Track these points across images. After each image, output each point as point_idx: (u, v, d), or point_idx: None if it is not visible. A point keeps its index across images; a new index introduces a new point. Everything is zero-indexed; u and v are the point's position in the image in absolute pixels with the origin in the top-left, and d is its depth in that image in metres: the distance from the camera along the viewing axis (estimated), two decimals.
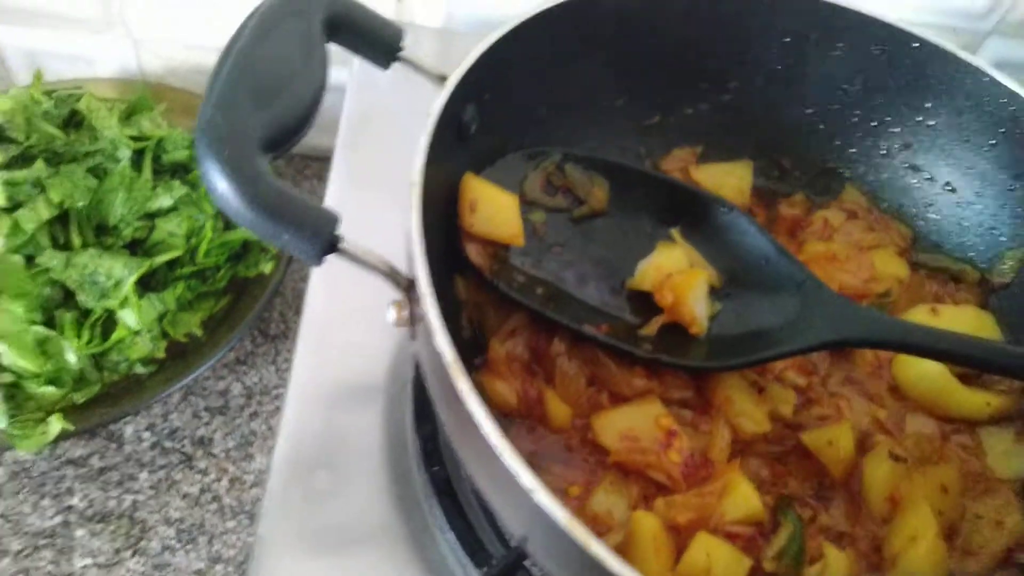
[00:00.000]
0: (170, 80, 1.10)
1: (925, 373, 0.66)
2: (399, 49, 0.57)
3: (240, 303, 0.94)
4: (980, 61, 0.69)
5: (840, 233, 0.75)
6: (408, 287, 0.47)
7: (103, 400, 0.86)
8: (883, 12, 0.72)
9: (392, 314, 0.49)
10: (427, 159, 0.51)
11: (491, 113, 0.62)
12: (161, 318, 0.89)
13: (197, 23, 1.03)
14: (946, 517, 0.60)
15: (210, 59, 0.52)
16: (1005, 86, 0.69)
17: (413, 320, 0.48)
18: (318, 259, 0.44)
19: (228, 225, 0.96)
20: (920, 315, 0.69)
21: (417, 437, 0.65)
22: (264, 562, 0.63)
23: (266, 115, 0.45)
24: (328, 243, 0.44)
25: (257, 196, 0.42)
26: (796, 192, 0.79)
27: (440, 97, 0.53)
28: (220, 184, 0.42)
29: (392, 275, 0.47)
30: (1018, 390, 0.66)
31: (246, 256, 0.96)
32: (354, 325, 0.77)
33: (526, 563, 0.61)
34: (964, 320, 0.69)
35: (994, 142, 0.72)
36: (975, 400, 0.66)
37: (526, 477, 0.39)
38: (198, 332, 0.92)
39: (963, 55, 0.70)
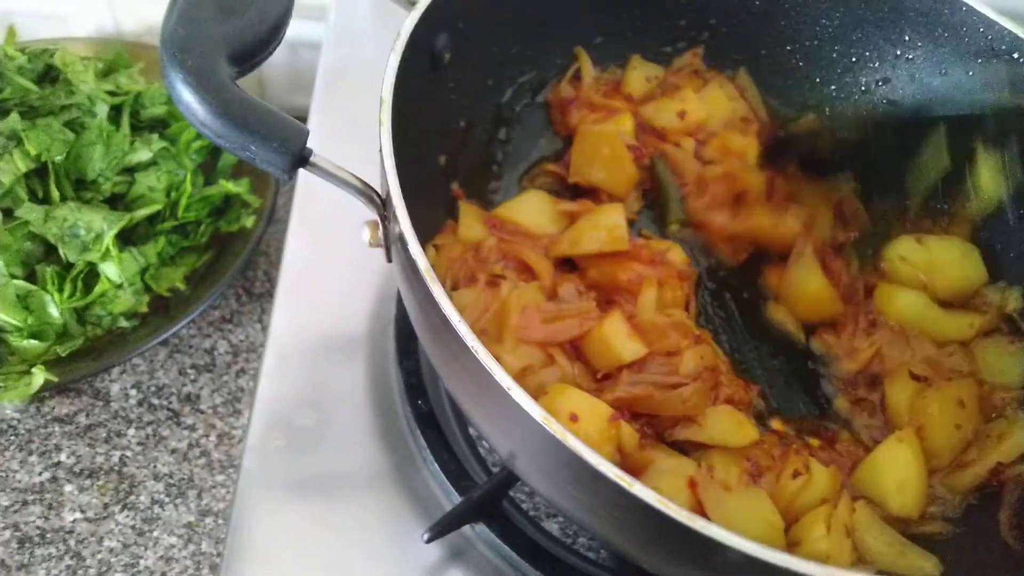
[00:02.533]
0: (147, 39, 1.09)
1: (908, 303, 0.67)
2: None
3: (223, 258, 0.94)
4: None
5: None
6: (382, 204, 0.47)
7: (86, 353, 0.86)
8: None
9: (366, 234, 0.49)
10: (397, 81, 0.50)
11: (465, 43, 0.62)
12: (143, 272, 0.89)
13: None
14: (963, 431, 0.61)
15: None
16: (982, 14, 0.69)
17: (388, 239, 0.48)
18: (288, 172, 0.44)
19: (209, 180, 0.96)
20: (906, 245, 0.69)
21: (400, 371, 0.65)
22: (248, 502, 0.63)
23: (231, 27, 0.45)
24: (298, 155, 0.44)
25: (223, 105, 0.42)
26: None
27: (410, 18, 0.53)
28: (185, 94, 0.42)
29: (365, 191, 0.47)
30: (996, 305, 0.67)
31: (227, 211, 0.96)
32: (334, 276, 0.76)
33: (511, 493, 0.62)
34: (950, 251, 0.69)
35: (971, 72, 0.71)
36: (959, 323, 0.67)
37: (501, 374, 0.39)
38: (181, 286, 0.91)
39: None
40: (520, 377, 0.56)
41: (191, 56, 0.42)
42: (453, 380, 0.49)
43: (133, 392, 0.93)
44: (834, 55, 0.77)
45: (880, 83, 0.77)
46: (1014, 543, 0.57)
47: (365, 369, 0.71)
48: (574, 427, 0.52)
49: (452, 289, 0.61)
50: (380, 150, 0.46)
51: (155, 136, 0.92)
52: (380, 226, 0.48)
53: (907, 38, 0.74)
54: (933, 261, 0.68)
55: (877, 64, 0.76)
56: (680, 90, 0.73)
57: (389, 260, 0.50)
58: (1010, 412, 0.61)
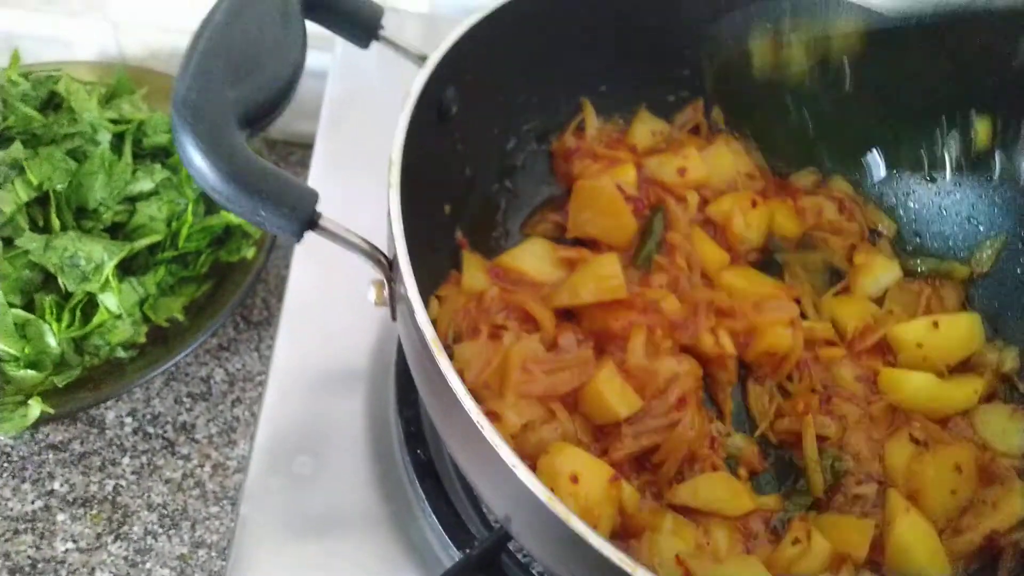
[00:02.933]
0: (151, 64, 1.09)
1: (919, 386, 0.66)
2: (379, 28, 0.56)
3: (222, 288, 0.93)
4: None
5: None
6: (388, 266, 0.47)
7: (84, 384, 0.85)
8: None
9: (372, 294, 0.49)
10: (407, 138, 0.51)
11: (472, 95, 0.62)
12: (142, 302, 0.88)
13: (178, 6, 1.02)
14: (959, 497, 0.61)
15: None
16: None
17: (393, 299, 0.48)
18: (297, 235, 0.44)
19: (210, 210, 0.96)
20: (921, 328, 0.69)
21: (400, 420, 0.65)
22: (246, 545, 0.63)
23: (242, 91, 0.45)
24: (307, 219, 0.44)
25: (233, 170, 0.42)
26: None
27: (419, 76, 0.53)
28: (196, 159, 0.42)
29: (372, 253, 0.47)
30: (994, 368, 0.67)
31: (228, 241, 0.96)
32: (336, 310, 0.76)
33: (510, 546, 0.61)
34: (958, 326, 0.69)
35: None
36: (964, 391, 0.67)
37: (506, 452, 0.39)
38: (180, 317, 0.91)
39: None
40: (522, 434, 0.56)
41: (203, 121, 0.42)
42: (454, 445, 0.49)
43: (128, 420, 0.93)
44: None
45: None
46: None
47: (365, 409, 0.70)
48: (575, 488, 0.52)
49: (454, 342, 0.61)
50: (388, 213, 0.47)
51: (157, 166, 0.92)
52: (386, 287, 0.48)
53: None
54: (945, 340, 0.68)
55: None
56: (684, 147, 0.74)
57: (394, 319, 0.50)
58: (1008, 480, 0.61)
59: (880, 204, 0.78)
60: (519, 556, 0.63)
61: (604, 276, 0.64)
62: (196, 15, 0.51)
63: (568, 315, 0.66)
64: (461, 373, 0.57)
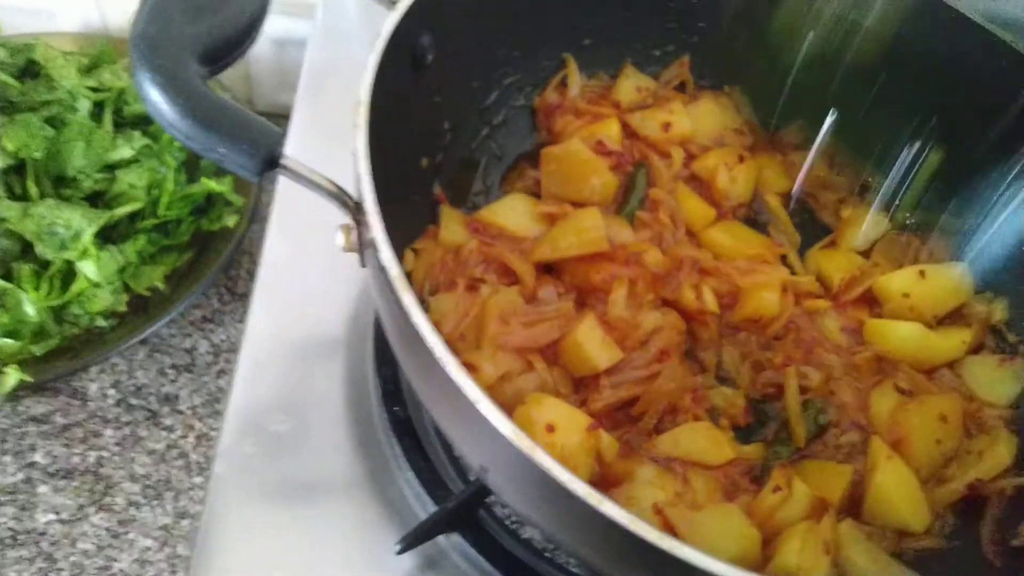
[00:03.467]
0: None
1: (905, 336, 0.65)
2: None
3: (204, 257, 0.93)
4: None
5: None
6: (355, 208, 0.46)
7: (63, 353, 0.85)
8: None
9: (340, 238, 0.47)
10: (377, 81, 0.49)
11: (450, 44, 0.61)
12: (122, 271, 0.88)
13: None
14: (944, 446, 0.60)
15: None
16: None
17: (361, 244, 0.47)
18: (257, 173, 0.43)
19: (191, 178, 0.95)
20: (908, 278, 0.68)
21: (378, 378, 0.64)
22: (219, 507, 0.62)
23: (202, 27, 0.43)
24: (268, 157, 0.43)
25: (191, 105, 0.41)
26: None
27: (391, 17, 0.52)
28: (153, 94, 0.41)
29: (338, 195, 0.46)
30: (984, 319, 0.66)
31: (210, 210, 0.95)
32: (315, 275, 0.75)
33: (488, 501, 0.61)
34: (945, 275, 0.69)
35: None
36: (952, 342, 0.66)
37: (471, 388, 0.38)
38: (161, 286, 0.90)
39: None
40: (498, 385, 0.55)
41: (160, 56, 0.41)
42: (425, 391, 0.48)
43: (111, 392, 0.92)
44: None
45: None
46: (994, 559, 0.56)
47: (343, 373, 0.69)
48: (551, 438, 0.51)
49: (431, 294, 0.60)
50: (354, 153, 0.45)
51: (137, 133, 0.91)
52: (354, 230, 0.47)
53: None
54: (932, 290, 0.67)
55: None
56: (669, 102, 0.73)
57: (363, 265, 0.49)
58: (995, 429, 0.60)
59: (870, 158, 0.77)
60: (496, 511, 0.62)
61: (585, 229, 0.63)
62: None
63: (549, 270, 0.64)
64: (437, 325, 0.56)
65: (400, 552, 0.54)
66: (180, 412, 0.93)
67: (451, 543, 0.60)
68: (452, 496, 0.56)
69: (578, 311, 0.60)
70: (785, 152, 0.76)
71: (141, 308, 0.89)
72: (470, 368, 0.54)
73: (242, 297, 1.01)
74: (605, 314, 0.59)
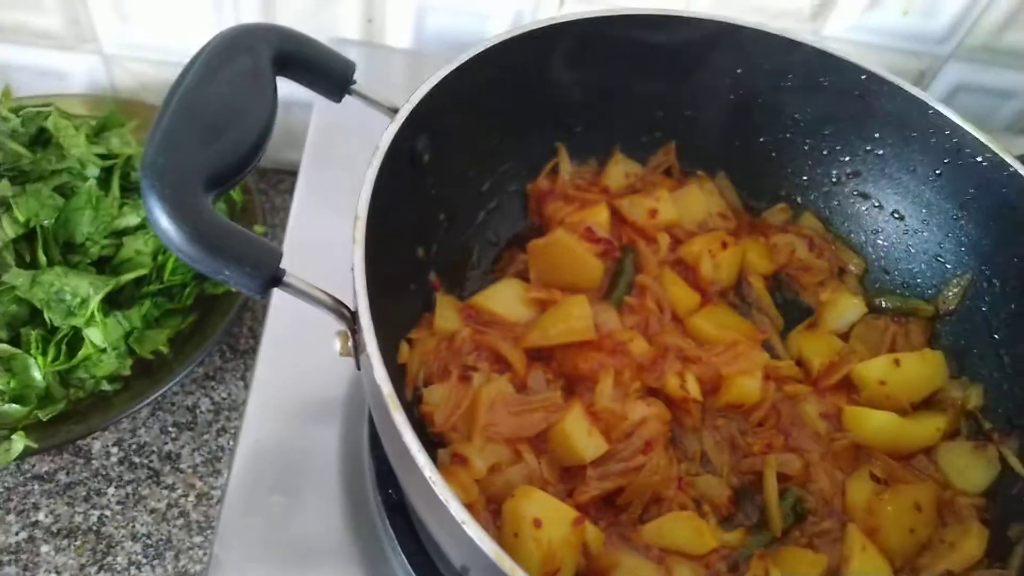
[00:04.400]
0: (142, 95, 1.11)
1: (882, 424, 0.67)
2: (351, 83, 0.58)
3: (207, 320, 0.95)
4: (925, 94, 0.71)
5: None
6: (352, 318, 0.49)
7: (69, 417, 0.86)
8: (838, 43, 0.73)
9: (337, 344, 0.50)
10: (375, 190, 0.52)
11: (446, 141, 0.64)
12: (128, 336, 0.90)
13: (169, 39, 1.04)
14: (918, 535, 0.62)
15: None
16: (948, 118, 0.71)
17: (357, 350, 0.50)
18: (260, 293, 0.46)
19: None
20: (884, 365, 0.70)
21: (372, 459, 0.66)
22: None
23: (211, 153, 0.46)
24: (271, 277, 0.45)
25: (198, 232, 0.43)
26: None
27: (388, 130, 0.55)
28: (163, 221, 0.43)
29: (335, 307, 0.48)
30: (959, 405, 0.68)
31: None
32: (315, 343, 0.77)
33: None
34: (920, 363, 0.71)
35: (939, 172, 0.74)
36: (927, 428, 0.68)
37: (456, 508, 0.41)
38: (164, 350, 0.92)
39: (908, 87, 0.72)
40: (488, 477, 0.57)
41: (169, 185, 0.43)
42: (413, 496, 0.51)
43: (114, 450, 0.94)
44: (805, 147, 0.79)
45: (851, 176, 0.79)
46: None
47: (340, 445, 0.71)
48: (538, 533, 0.53)
49: (425, 384, 0.62)
50: (352, 268, 0.48)
51: None
52: (350, 338, 0.49)
53: (876, 135, 0.76)
54: (907, 377, 0.69)
55: (848, 158, 0.79)
56: (656, 188, 0.76)
57: (359, 368, 0.51)
58: (968, 520, 0.62)
59: (848, 242, 0.80)
60: None
61: (573, 317, 0.65)
62: (186, 49, 0.53)
63: (539, 356, 0.67)
64: (431, 416, 0.59)
65: None
66: (181, 471, 0.95)
67: None
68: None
69: (566, 400, 0.62)
70: (768, 235, 0.78)
71: (145, 371, 0.92)
72: (461, 460, 0.56)
73: (243, 354, 1.04)
74: (592, 404, 0.61)
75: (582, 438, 0.59)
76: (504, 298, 0.68)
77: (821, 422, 0.67)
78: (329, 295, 0.48)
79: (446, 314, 0.66)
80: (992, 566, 0.60)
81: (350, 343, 0.50)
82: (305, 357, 0.77)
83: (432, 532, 0.50)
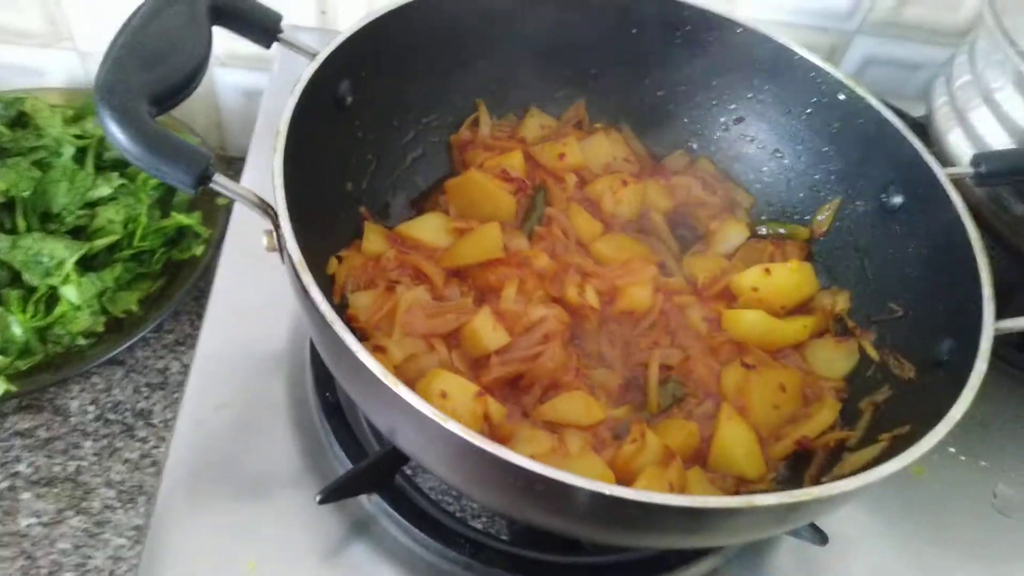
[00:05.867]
0: None
1: (751, 321, 0.77)
2: (279, 31, 0.68)
3: (175, 283, 1.04)
4: (789, 41, 0.82)
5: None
6: (274, 215, 0.58)
7: (46, 368, 0.95)
8: (753, 22, 0.82)
9: (265, 240, 0.59)
10: (295, 115, 0.62)
11: (368, 89, 0.74)
12: (100, 295, 0.98)
13: None
14: (782, 411, 0.71)
15: None
16: (811, 61, 0.81)
17: (280, 245, 0.58)
18: (193, 188, 0.55)
19: (164, 213, 1.07)
20: (755, 274, 0.80)
21: (312, 367, 0.75)
22: (168, 492, 0.72)
23: (152, 76, 0.56)
24: (201, 175, 0.55)
25: (140, 135, 0.53)
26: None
27: (309, 68, 0.65)
28: (112, 127, 0.53)
29: (260, 204, 0.58)
30: (828, 310, 0.78)
31: (180, 241, 1.06)
32: (261, 296, 0.86)
33: (406, 470, 0.71)
34: (788, 272, 0.80)
35: (809, 111, 0.84)
36: (794, 327, 0.78)
37: (354, 344, 0.49)
38: (135, 309, 1.01)
39: (776, 36, 0.82)
40: (404, 364, 0.66)
41: (117, 98, 0.53)
42: (337, 368, 0.59)
43: (91, 408, 1.01)
44: (697, 99, 0.90)
45: (737, 121, 0.89)
46: None
47: (285, 376, 0.79)
48: (444, 402, 0.62)
49: (352, 292, 0.71)
50: (272, 170, 0.57)
51: (115, 174, 1.03)
52: (274, 233, 0.58)
53: (756, 82, 0.87)
54: (776, 284, 0.79)
55: (734, 106, 0.89)
56: (565, 136, 0.86)
57: (283, 261, 0.60)
58: (825, 396, 0.72)
59: (738, 180, 0.90)
60: (416, 481, 0.72)
61: (486, 239, 0.75)
62: None
63: (456, 274, 0.76)
64: (355, 317, 0.68)
65: (320, 503, 0.64)
66: (153, 425, 1.02)
67: (376, 507, 0.70)
68: (367, 457, 0.66)
69: (476, 307, 0.71)
70: (668, 177, 0.88)
71: (117, 329, 1.00)
72: (380, 351, 0.65)
73: None
74: (499, 307, 0.71)
75: (488, 333, 0.68)
76: (428, 227, 0.78)
77: (703, 324, 0.76)
78: (254, 192, 0.58)
79: (373, 238, 0.75)
80: (842, 430, 0.70)
81: (275, 238, 0.59)
82: (253, 301, 0.85)
83: (360, 405, 0.58)
